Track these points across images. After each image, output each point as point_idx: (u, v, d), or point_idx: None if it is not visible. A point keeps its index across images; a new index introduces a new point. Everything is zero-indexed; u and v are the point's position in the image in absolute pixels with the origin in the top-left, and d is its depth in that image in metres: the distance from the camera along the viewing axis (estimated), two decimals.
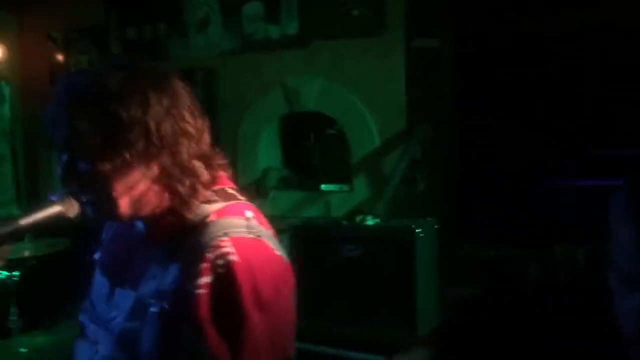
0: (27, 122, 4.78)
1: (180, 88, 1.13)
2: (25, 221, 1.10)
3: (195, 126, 1.12)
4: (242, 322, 1.03)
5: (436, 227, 2.54)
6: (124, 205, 1.10)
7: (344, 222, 2.56)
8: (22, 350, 2.75)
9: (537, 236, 3.07)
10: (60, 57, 4.59)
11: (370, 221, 2.49)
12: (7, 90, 4.63)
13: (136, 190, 1.09)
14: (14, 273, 2.74)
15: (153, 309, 1.09)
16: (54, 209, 1.11)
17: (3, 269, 1.12)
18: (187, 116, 1.11)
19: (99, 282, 1.28)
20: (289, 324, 1.13)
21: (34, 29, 4.69)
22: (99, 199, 1.10)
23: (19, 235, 1.12)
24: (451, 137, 3.38)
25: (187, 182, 1.11)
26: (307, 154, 3.84)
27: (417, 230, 2.37)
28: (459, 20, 3.31)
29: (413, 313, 2.32)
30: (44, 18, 4.61)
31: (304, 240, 2.56)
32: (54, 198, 1.12)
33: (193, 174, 1.12)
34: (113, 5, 4.26)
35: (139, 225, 1.19)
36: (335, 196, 3.60)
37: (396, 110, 3.42)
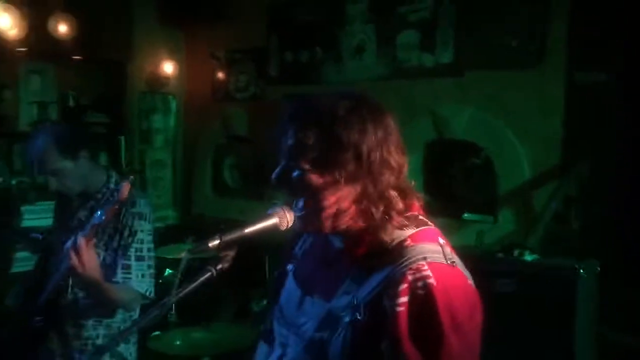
0: (188, 134, 5.22)
1: (393, 125, 1.24)
2: (249, 230, 1.24)
3: (398, 161, 1.22)
4: (440, 341, 1.09)
5: (598, 268, 2.43)
6: (327, 218, 1.21)
7: (500, 255, 2.53)
8: (178, 342, 2.98)
9: None
10: (221, 75, 4.96)
11: (528, 256, 2.44)
12: (173, 104, 5.09)
13: (338, 207, 1.20)
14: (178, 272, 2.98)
15: (346, 319, 1.17)
16: (271, 221, 1.25)
17: (224, 269, 1.26)
18: (394, 151, 1.22)
19: (291, 289, 1.39)
20: (478, 350, 1.18)
21: (200, 48, 5.11)
22: (306, 209, 1.22)
23: (242, 242, 1.26)
24: (611, 176, 3.21)
25: (382, 208, 1.20)
26: (450, 181, 3.83)
27: (580, 270, 2.29)
28: (629, 53, 3.15)
29: (571, 355, 2.24)
30: (209, 38, 5.01)
31: None
32: (270, 212, 1.26)
33: (388, 202, 1.21)
34: (274, 29, 4.56)
35: (336, 242, 1.29)
36: (477, 226, 3.55)
37: (551, 145, 3.33)
